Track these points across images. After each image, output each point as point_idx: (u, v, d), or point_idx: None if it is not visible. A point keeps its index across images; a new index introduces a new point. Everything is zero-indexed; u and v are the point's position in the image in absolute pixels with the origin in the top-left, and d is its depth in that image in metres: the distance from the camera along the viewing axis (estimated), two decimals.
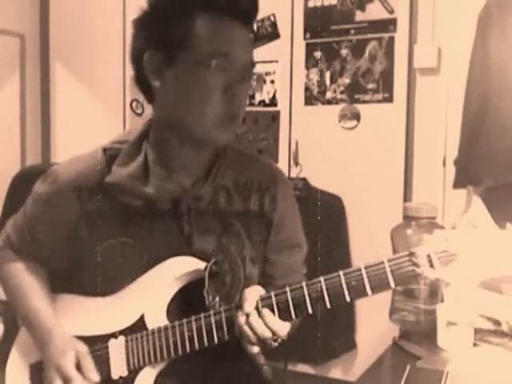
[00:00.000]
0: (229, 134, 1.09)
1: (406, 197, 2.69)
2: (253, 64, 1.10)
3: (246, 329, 1.01)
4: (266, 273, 1.23)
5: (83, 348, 1.13)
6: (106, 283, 1.14)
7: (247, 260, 1.17)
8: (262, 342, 1.02)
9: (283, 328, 1.02)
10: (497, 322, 1.50)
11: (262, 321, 1.00)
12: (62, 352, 1.12)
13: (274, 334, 1.01)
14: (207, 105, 1.04)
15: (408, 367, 1.33)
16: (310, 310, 0.99)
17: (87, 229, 1.14)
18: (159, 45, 1.06)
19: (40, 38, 3.60)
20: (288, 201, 1.25)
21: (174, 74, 1.06)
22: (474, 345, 1.43)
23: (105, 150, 1.16)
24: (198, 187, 1.14)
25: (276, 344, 1.04)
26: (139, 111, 3.33)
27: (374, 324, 2.05)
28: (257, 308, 1.01)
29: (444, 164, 2.61)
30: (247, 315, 1.01)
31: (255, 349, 1.04)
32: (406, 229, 1.55)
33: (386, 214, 2.36)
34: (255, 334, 1.00)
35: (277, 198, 1.21)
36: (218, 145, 1.13)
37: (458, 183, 2.41)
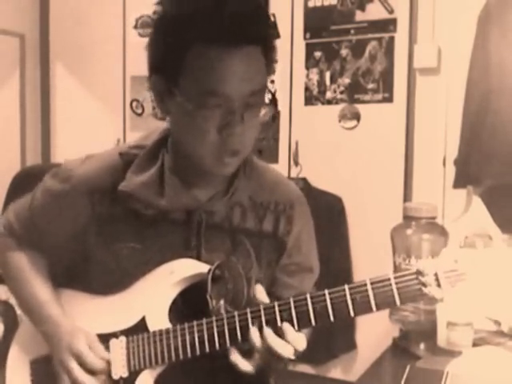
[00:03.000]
0: (231, 166, 1.05)
1: (406, 197, 2.69)
2: (261, 90, 1.01)
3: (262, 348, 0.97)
4: (274, 294, 1.17)
5: (91, 332, 1.13)
6: (109, 284, 1.14)
7: (252, 281, 1.12)
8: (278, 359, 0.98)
9: (302, 340, 0.98)
10: (497, 322, 1.51)
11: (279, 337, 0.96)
12: (73, 333, 1.12)
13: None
14: (203, 142, 1.00)
15: (408, 367, 1.33)
16: (314, 323, 0.97)
17: (96, 230, 1.13)
18: (161, 71, 1.03)
19: (40, 38, 3.60)
20: (304, 224, 1.22)
21: (173, 107, 1.04)
22: (474, 345, 1.43)
23: (121, 154, 1.14)
24: (214, 202, 1.12)
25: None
26: (139, 111, 3.33)
27: (374, 324, 2.05)
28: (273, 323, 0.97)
29: (444, 164, 2.61)
30: (262, 333, 0.97)
31: (250, 367, 0.99)
32: (406, 229, 1.55)
33: (386, 214, 2.36)
34: (273, 351, 0.96)
35: (293, 220, 1.18)
36: (221, 175, 1.10)
37: (458, 183, 2.41)
